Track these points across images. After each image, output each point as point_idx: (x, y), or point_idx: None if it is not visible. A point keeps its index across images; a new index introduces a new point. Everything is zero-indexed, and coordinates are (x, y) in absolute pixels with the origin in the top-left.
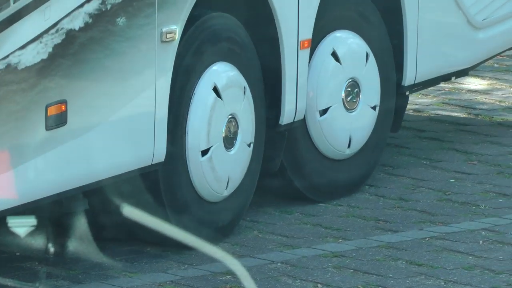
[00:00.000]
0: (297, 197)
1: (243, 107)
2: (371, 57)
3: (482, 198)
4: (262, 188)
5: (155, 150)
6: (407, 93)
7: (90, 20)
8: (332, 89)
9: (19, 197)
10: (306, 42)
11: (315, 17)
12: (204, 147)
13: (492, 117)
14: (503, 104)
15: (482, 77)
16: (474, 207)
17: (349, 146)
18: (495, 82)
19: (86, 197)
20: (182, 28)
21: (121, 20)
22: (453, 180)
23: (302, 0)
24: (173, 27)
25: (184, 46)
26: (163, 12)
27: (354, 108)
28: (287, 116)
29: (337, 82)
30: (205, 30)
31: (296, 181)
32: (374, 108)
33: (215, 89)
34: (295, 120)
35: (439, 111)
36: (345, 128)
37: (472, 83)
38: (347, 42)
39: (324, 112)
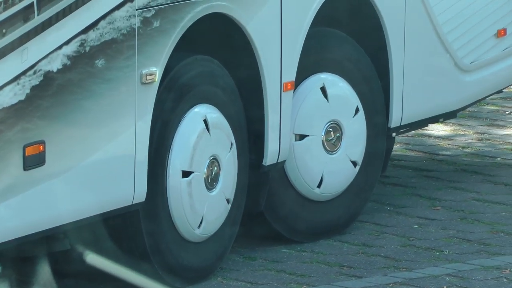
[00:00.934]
0: (276, 238)
1: (223, 145)
2: (361, 112)
3: (445, 244)
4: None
5: (135, 190)
6: (393, 135)
7: (69, 62)
8: (313, 120)
9: None
10: (289, 84)
11: (298, 59)
12: (186, 168)
13: (456, 163)
14: (466, 150)
15: (445, 123)
16: (437, 253)
17: (319, 186)
18: (458, 128)
19: (67, 237)
20: (163, 70)
21: (100, 62)
22: (416, 226)
23: (285, 42)
24: (153, 69)
25: (165, 88)
26: (143, 55)
27: (334, 152)
28: (270, 157)
29: (320, 116)
30: (187, 73)
31: (274, 223)
32: (354, 164)
33: (205, 121)
34: (278, 161)
35: (403, 156)
36: (318, 166)
37: (435, 129)
38: (338, 84)
39: (300, 138)
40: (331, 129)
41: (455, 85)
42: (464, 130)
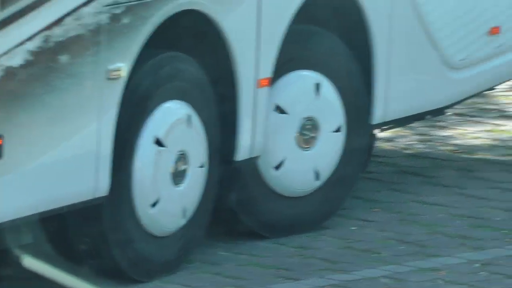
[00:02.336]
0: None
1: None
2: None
3: (383, 246)
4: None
5: (97, 185)
6: (375, 131)
7: (31, 58)
8: (296, 103)
9: None
10: (264, 81)
11: (275, 57)
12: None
13: (396, 164)
14: (406, 151)
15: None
16: (375, 255)
17: (277, 168)
18: (398, 129)
19: (31, 231)
20: (131, 66)
21: (64, 58)
22: (354, 228)
23: (261, 40)
24: (120, 64)
25: (133, 84)
26: (110, 51)
27: (305, 148)
28: (242, 152)
29: (303, 106)
30: (158, 70)
31: (246, 219)
32: (317, 175)
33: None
34: (251, 156)
35: None
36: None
37: (375, 130)
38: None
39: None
40: (308, 125)
41: (443, 82)
42: (404, 132)
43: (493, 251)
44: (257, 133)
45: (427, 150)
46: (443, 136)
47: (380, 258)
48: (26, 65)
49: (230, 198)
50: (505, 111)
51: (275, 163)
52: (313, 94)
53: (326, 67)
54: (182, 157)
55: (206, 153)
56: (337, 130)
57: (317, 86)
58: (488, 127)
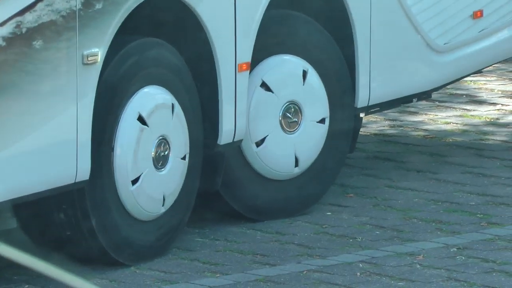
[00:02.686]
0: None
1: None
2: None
3: (358, 231)
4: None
5: (78, 169)
6: (361, 115)
7: (3, 43)
8: (284, 83)
9: None
10: (244, 65)
11: (253, 41)
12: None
13: (367, 150)
14: (378, 136)
15: None
16: (351, 240)
17: (258, 146)
18: (369, 115)
19: (13, 216)
20: (106, 51)
21: (37, 43)
22: (329, 213)
23: (239, 24)
24: (95, 49)
25: (111, 70)
26: (84, 36)
27: (291, 131)
28: (225, 136)
29: (288, 87)
30: (134, 55)
31: (231, 202)
32: (296, 161)
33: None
34: (234, 140)
35: None
36: (267, 126)
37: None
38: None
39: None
40: (292, 109)
41: (427, 66)
42: (375, 117)
43: (469, 235)
44: (240, 117)
45: (399, 135)
46: (414, 121)
47: (356, 243)
48: None
49: (215, 182)
50: (475, 96)
51: (257, 139)
52: (300, 80)
53: (308, 52)
54: (164, 142)
55: (187, 144)
56: (321, 121)
57: (304, 73)
58: (459, 112)
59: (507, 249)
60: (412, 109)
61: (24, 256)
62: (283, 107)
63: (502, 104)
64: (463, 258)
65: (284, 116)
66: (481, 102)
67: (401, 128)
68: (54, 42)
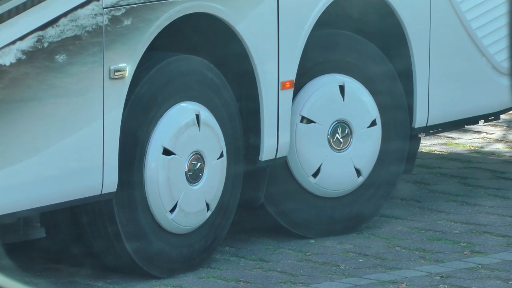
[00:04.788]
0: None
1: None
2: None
3: (342, 258)
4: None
5: (104, 181)
6: (419, 135)
7: (24, 57)
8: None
9: None
10: (287, 83)
11: (299, 59)
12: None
13: None
14: None
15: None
16: (334, 267)
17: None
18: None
19: (43, 226)
20: (134, 67)
21: (61, 57)
22: (313, 241)
23: (283, 43)
24: (123, 65)
25: (144, 86)
26: (112, 51)
27: (339, 150)
28: (266, 152)
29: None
30: (168, 72)
31: (276, 216)
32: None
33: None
34: (277, 156)
35: None
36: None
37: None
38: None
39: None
40: (339, 128)
41: (493, 88)
42: None
43: (452, 264)
44: (282, 135)
45: None
46: None
47: (339, 271)
48: (19, 64)
49: (257, 198)
50: None
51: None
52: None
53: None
54: (197, 156)
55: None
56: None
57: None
58: (443, 141)
59: (490, 277)
60: None
61: (8, 281)
62: (330, 130)
63: (486, 133)
64: (446, 286)
65: (332, 136)
66: (465, 130)
67: None
68: (79, 57)
